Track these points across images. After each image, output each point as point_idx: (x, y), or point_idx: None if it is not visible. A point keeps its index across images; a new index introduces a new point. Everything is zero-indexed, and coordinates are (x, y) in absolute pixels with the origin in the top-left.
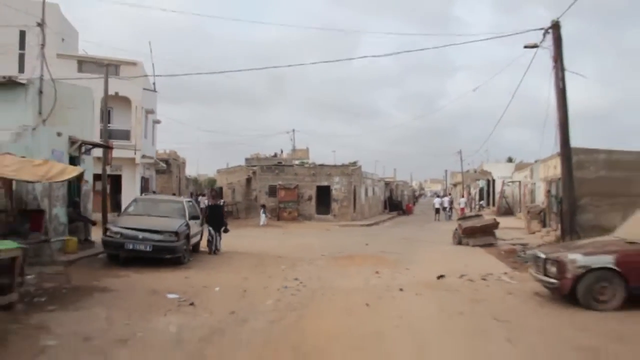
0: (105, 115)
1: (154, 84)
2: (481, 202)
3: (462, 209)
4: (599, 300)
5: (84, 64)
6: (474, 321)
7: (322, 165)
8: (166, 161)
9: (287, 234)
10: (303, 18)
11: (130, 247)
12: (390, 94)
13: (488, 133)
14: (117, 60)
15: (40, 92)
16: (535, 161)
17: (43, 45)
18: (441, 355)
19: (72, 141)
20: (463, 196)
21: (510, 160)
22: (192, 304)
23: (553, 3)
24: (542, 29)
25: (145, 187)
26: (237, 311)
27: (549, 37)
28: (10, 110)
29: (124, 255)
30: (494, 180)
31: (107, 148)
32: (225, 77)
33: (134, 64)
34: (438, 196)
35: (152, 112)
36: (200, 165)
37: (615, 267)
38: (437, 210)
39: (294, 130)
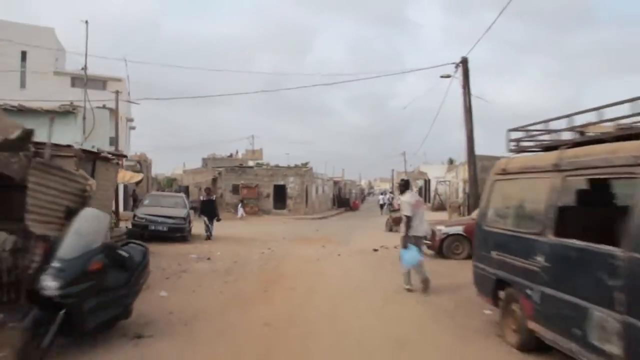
0: (116, 130)
1: (129, 93)
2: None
3: (398, 204)
4: (454, 253)
5: (77, 80)
6: (378, 265)
7: (278, 167)
8: (138, 162)
9: (251, 225)
10: (259, 14)
11: (153, 228)
12: (341, 93)
13: (433, 134)
14: (105, 76)
15: (84, 117)
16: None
17: (86, 84)
18: (356, 275)
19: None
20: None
21: (451, 161)
22: (208, 258)
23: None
24: (454, 63)
25: (125, 187)
26: (238, 262)
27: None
28: (66, 131)
29: (147, 234)
30: (429, 180)
31: (120, 157)
32: (176, 76)
33: (119, 80)
34: (382, 194)
35: (131, 120)
36: (157, 165)
37: (463, 233)
38: (382, 206)
39: (253, 137)
